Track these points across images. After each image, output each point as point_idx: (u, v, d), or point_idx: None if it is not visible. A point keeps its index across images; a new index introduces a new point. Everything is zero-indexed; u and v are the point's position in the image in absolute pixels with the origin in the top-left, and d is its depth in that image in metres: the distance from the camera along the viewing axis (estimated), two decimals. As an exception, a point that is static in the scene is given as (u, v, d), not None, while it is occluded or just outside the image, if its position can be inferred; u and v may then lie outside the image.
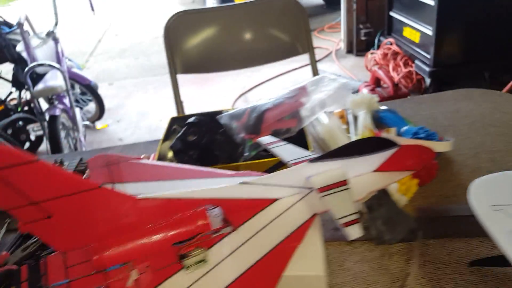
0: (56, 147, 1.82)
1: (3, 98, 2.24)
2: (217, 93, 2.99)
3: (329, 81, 0.72)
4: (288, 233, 0.40)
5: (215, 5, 4.40)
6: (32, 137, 2.12)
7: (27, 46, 1.75)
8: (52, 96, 1.92)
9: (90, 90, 2.40)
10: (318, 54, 3.44)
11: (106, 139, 2.45)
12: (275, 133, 0.67)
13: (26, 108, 2.18)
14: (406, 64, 2.51)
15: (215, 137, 0.64)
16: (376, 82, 2.11)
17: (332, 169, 0.42)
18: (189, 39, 1.34)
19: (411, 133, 0.63)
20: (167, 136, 0.70)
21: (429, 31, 2.27)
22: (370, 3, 3.13)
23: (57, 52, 1.98)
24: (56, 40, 1.98)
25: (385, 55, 2.65)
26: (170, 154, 0.67)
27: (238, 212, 0.41)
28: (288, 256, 0.39)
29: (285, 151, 0.52)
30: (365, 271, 0.45)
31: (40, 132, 2.02)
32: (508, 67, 2.32)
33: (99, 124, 2.55)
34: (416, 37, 2.46)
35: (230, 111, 0.72)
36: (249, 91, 2.96)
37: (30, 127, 2.05)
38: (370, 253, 0.47)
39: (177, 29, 1.31)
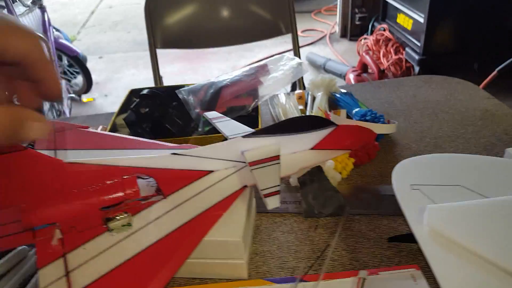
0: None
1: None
2: (206, 71, 2.98)
3: (287, 60, 0.73)
4: (214, 202, 0.42)
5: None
6: (17, 107, 2.12)
7: (11, 13, 1.74)
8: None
9: (77, 62, 2.39)
10: (313, 37, 3.42)
11: (92, 113, 2.46)
12: (229, 110, 0.68)
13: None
14: (397, 51, 2.51)
15: (167, 110, 0.66)
16: (363, 68, 2.11)
17: (267, 145, 0.43)
18: (170, 13, 1.34)
19: (359, 115, 0.64)
20: (124, 109, 0.71)
21: (421, 18, 2.26)
22: (366, -12, 3.10)
23: (43, 21, 1.96)
24: (42, 9, 1.96)
25: (377, 41, 2.64)
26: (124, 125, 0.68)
27: (170, 182, 0.42)
28: (211, 222, 0.40)
29: (227, 126, 0.53)
30: (290, 241, 0.47)
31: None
32: (497, 59, 2.32)
33: (85, 98, 2.55)
34: (408, 24, 2.44)
35: (189, 86, 0.73)
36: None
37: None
38: (298, 225, 0.49)
39: (159, 4, 1.31)
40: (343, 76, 2.32)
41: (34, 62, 0.28)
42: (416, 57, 2.29)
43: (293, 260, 0.44)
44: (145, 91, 0.67)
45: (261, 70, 0.73)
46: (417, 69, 2.32)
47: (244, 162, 0.43)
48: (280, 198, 0.41)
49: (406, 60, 2.42)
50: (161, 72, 1.38)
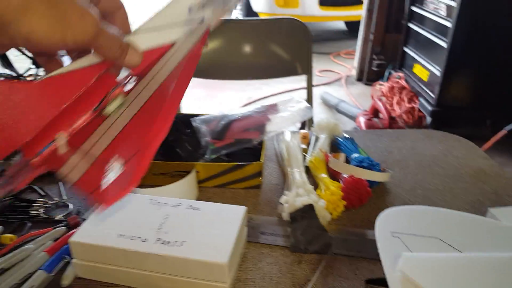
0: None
1: (21, 73, 2.34)
2: (223, 99, 3.07)
3: (296, 102, 0.78)
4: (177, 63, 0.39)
5: (240, 16, 4.51)
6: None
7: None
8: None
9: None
10: (329, 77, 3.50)
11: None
12: (237, 142, 0.73)
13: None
14: (410, 100, 2.55)
15: (180, 136, 0.71)
16: (375, 113, 2.15)
17: None
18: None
19: (357, 161, 0.68)
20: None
21: (437, 71, 2.32)
22: (387, 36, 3.19)
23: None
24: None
25: (392, 88, 2.70)
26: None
27: (141, 64, 0.38)
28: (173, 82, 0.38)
29: None
30: (273, 272, 0.50)
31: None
32: (510, 117, 2.35)
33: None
34: (424, 75, 2.51)
35: (203, 116, 0.78)
36: (253, 102, 3.03)
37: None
38: (284, 258, 0.52)
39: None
40: (354, 118, 2.37)
41: (111, 62, 0.35)
42: (429, 108, 2.33)
43: (275, 290, 0.47)
44: (160, 117, 0.72)
45: (271, 108, 0.79)
46: (429, 120, 2.36)
47: (199, 21, 0.40)
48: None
49: (419, 110, 2.46)
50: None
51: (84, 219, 0.58)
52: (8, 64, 2.32)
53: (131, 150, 0.35)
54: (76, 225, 0.57)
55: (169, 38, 0.39)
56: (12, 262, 0.50)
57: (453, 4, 2.11)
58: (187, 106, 2.82)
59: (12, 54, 2.41)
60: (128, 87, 0.39)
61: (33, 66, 2.42)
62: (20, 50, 2.41)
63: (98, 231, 0.48)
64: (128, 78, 0.39)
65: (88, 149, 0.36)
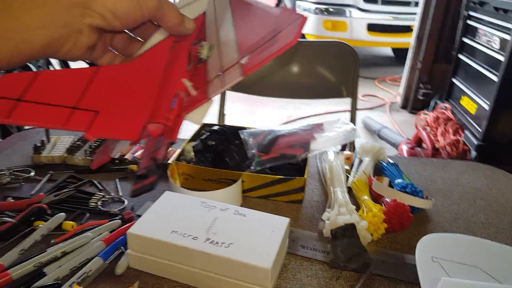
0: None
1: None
2: (263, 116, 3.12)
3: (342, 124, 0.80)
4: None
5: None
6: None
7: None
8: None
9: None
10: (372, 102, 3.48)
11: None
12: (282, 156, 0.76)
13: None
14: (456, 132, 2.50)
15: (229, 147, 0.75)
16: (418, 142, 2.12)
17: None
18: (245, 61, 1.47)
19: (400, 186, 0.69)
20: (194, 138, 0.81)
21: (486, 105, 2.26)
22: (435, 66, 3.15)
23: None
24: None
25: (437, 118, 2.65)
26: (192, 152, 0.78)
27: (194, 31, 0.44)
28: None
29: None
30: (312, 285, 0.52)
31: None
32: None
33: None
34: (472, 108, 2.45)
35: (251, 130, 0.82)
36: (293, 121, 3.06)
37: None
38: (323, 272, 0.54)
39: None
40: (396, 146, 2.34)
41: (171, 31, 0.42)
42: (475, 142, 2.27)
43: (312, 300, 0.49)
44: (215, 127, 0.77)
45: (317, 127, 0.81)
46: (474, 154, 2.29)
47: None
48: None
49: (464, 143, 2.40)
50: (224, 110, 1.51)
51: (138, 215, 0.63)
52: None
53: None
54: (130, 219, 0.62)
55: (198, 11, 0.45)
56: (73, 247, 0.55)
57: (507, 37, 2.07)
58: (228, 119, 2.90)
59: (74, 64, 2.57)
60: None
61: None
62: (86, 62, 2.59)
63: (153, 226, 0.52)
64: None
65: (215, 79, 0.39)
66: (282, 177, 0.69)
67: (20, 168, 0.75)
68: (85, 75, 0.38)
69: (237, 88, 1.46)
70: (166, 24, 0.42)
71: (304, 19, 0.38)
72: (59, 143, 0.81)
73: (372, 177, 0.74)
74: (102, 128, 0.35)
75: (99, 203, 0.66)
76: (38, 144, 0.79)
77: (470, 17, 2.55)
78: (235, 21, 0.44)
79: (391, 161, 0.81)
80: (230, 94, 1.45)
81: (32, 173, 0.73)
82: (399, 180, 0.72)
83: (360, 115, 3.08)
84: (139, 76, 0.40)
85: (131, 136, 0.36)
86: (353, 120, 1.49)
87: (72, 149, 0.78)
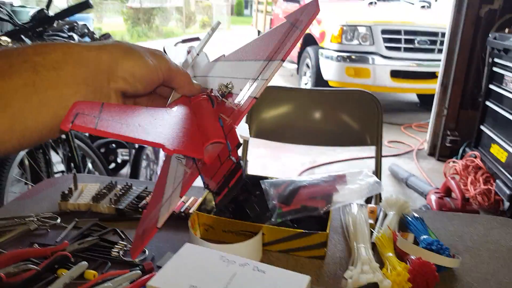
0: (135, 174, 2.05)
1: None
2: (287, 160, 3.12)
3: (365, 176, 0.79)
4: None
5: (309, 84, 4.67)
6: (119, 160, 2.41)
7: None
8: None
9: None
10: (399, 149, 3.43)
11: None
12: (303, 208, 0.75)
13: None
14: (486, 182, 2.42)
15: (250, 197, 0.75)
16: (447, 191, 2.06)
17: None
18: (268, 109, 1.50)
19: (426, 243, 0.67)
20: (215, 187, 0.82)
21: (517, 153, 2.20)
22: (462, 112, 3.11)
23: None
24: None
25: (466, 166, 2.58)
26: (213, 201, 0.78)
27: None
28: None
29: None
30: None
31: (126, 158, 2.30)
32: None
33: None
34: (503, 156, 2.38)
35: (272, 179, 0.82)
36: (317, 166, 3.04)
37: (120, 151, 2.34)
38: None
39: (259, 100, 1.48)
40: (424, 195, 2.28)
41: (183, 91, 0.46)
42: (508, 191, 2.18)
43: None
44: (236, 177, 0.78)
45: (339, 179, 0.81)
46: (507, 204, 2.20)
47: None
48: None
49: (496, 193, 2.31)
50: (247, 156, 1.52)
51: (158, 266, 0.63)
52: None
53: None
54: (150, 270, 0.62)
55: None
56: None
57: (536, 86, 2.04)
58: (250, 165, 2.91)
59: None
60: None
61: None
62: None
63: (172, 279, 0.52)
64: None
65: None
66: (303, 231, 0.68)
67: (48, 214, 0.77)
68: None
69: (260, 134, 1.48)
70: (177, 85, 0.45)
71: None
72: (86, 191, 0.84)
73: (397, 233, 0.72)
74: (174, 144, 0.38)
75: (121, 252, 0.67)
76: (66, 192, 0.81)
77: (495, 64, 2.54)
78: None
79: (416, 215, 0.79)
80: (253, 140, 1.46)
81: (58, 220, 0.75)
82: (425, 236, 0.70)
83: (386, 162, 3.04)
84: (178, 115, 0.44)
85: (199, 154, 0.39)
86: (378, 168, 1.47)
87: (97, 197, 0.80)
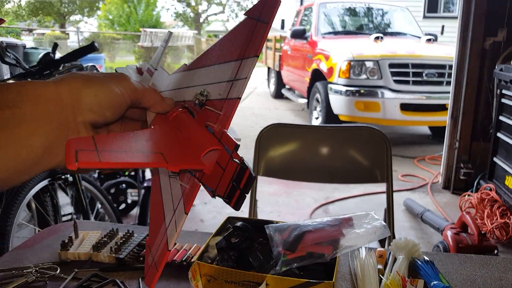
0: (143, 215, 2.04)
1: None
2: (299, 196, 3.08)
3: (371, 219, 0.77)
4: None
5: (320, 119, 4.68)
6: (129, 201, 2.41)
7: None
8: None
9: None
10: (412, 183, 3.37)
11: (189, 218, 2.65)
12: (309, 255, 0.73)
13: (132, 173, 2.51)
14: (503, 215, 2.34)
15: (253, 245, 0.73)
16: (463, 227, 1.99)
17: None
18: (276, 147, 1.49)
19: (437, 290, 0.63)
20: (219, 232, 0.80)
21: (534, 185, 2.13)
22: (474, 144, 3.06)
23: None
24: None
25: (481, 199, 2.51)
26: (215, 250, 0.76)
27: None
28: None
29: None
30: None
31: (136, 198, 2.29)
32: None
33: (186, 203, 2.78)
34: (519, 189, 2.31)
35: (277, 224, 0.80)
36: (331, 202, 2.99)
37: (130, 191, 2.34)
38: None
39: (267, 137, 1.48)
40: (440, 230, 2.21)
41: (156, 109, 0.45)
42: (526, 226, 2.11)
43: None
44: (238, 224, 0.76)
45: (345, 223, 0.78)
46: (526, 238, 2.11)
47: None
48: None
49: (515, 227, 2.23)
50: (258, 191, 1.50)
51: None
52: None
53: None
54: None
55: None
56: None
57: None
58: (263, 202, 2.88)
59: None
60: None
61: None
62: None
63: None
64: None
65: None
66: (308, 280, 0.65)
67: (47, 265, 0.75)
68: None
69: (269, 172, 1.47)
70: (148, 104, 0.44)
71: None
72: (87, 239, 0.82)
73: (407, 278, 0.69)
74: (176, 161, 0.38)
75: (119, 305, 0.64)
76: (66, 240, 0.80)
77: (503, 95, 2.51)
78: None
79: (426, 258, 0.75)
80: (262, 178, 1.45)
81: (58, 271, 0.74)
82: (435, 282, 0.66)
83: (401, 197, 2.97)
84: (165, 133, 0.44)
85: (200, 165, 0.40)
86: (390, 205, 1.43)
87: (98, 246, 0.79)
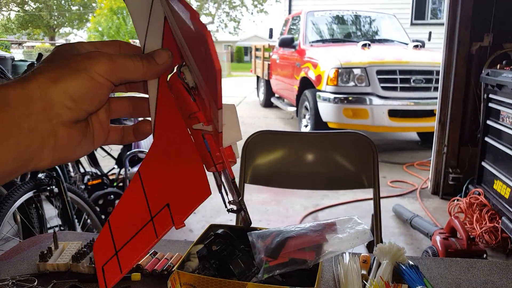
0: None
1: (105, 172, 2.59)
2: (289, 204, 3.07)
3: (354, 224, 0.76)
4: None
5: (309, 126, 4.69)
6: (117, 211, 2.37)
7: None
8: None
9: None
10: (402, 189, 3.38)
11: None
12: (291, 261, 0.72)
13: (121, 184, 2.49)
14: (492, 219, 2.35)
15: (235, 252, 0.71)
16: (451, 231, 2.00)
17: None
18: (263, 155, 1.49)
19: (420, 295, 0.63)
20: (201, 240, 0.79)
21: (520, 189, 2.15)
22: (462, 149, 3.09)
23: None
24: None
25: (470, 204, 2.52)
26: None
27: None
28: None
29: None
30: None
31: (124, 208, 2.26)
32: None
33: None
34: (506, 192, 2.32)
35: (260, 231, 0.79)
36: (321, 210, 2.98)
37: (117, 202, 2.32)
38: None
39: (254, 145, 1.48)
40: (429, 236, 2.21)
41: (149, 76, 0.39)
42: (514, 229, 2.12)
43: None
44: (220, 231, 0.75)
45: (328, 228, 0.77)
46: (516, 242, 2.12)
47: None
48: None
49: (503, 230, 2.24)
50: (247, 199, 1.49)
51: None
52: (94, 163, 2.59)
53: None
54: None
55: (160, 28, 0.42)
56: None
57: (532, 120, 2.03)
58: (252, 211, 2.86)
59: (99, 154, 2.69)
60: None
61: (116, 166, 2.68)
62: (105, 151, 2.71)
63: None
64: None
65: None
66: (290, 287, 0.64)
67: (25, 277, 0.74)
68: (135, 186, 0.39)
69: (256, 180, 1.46)
70: (136, 77, 0.38)
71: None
72: (67, 249, 0.81)
73: (390, 284, 0.68)
74: (181, 211, 0.37)
75: (97, 317, 0.63)
76: (45, 251, 0.78)
77: (490, 100, 2.54)
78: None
79: (411, 263, 0.75)
80: (251, 187, 1.44)
81: (35, 283, 0.72)
82: (420, 287, 0.66)
83: (390, 202, 2.98)
84: (174, 149, 0.40)
85: (206, 195, 0.39)
86: (377, 210, 1.43)
87: (77, 256, 0.77)
